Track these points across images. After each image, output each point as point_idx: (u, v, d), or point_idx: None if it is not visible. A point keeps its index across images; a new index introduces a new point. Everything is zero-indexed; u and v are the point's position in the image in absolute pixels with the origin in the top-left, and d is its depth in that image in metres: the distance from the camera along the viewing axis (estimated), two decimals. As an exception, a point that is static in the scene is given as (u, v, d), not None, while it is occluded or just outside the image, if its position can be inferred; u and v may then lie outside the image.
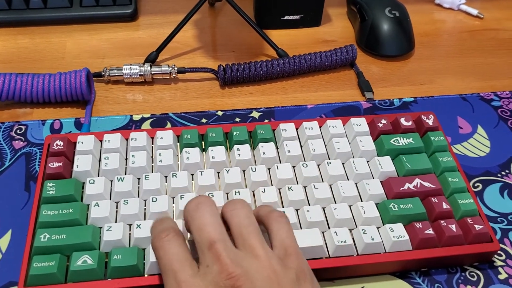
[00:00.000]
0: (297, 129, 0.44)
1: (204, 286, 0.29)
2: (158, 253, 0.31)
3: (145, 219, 0.38)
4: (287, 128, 0.43)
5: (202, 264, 0.30)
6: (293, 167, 0.42)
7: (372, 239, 0.36)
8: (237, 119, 0.48)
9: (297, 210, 0.38)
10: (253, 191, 0.40)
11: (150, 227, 0.34)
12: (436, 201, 0.39)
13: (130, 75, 0.51)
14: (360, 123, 0.44)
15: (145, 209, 0.38)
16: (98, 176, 0.40)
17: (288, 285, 0.29)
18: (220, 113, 0.49)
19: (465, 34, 0.61)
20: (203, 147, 0.43)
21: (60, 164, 0.39)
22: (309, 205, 0.39)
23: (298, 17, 0.59)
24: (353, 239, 0.37)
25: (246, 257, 0.30)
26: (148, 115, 0.48)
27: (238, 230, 0.31)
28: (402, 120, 0.44)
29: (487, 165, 0.46)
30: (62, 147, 0.40)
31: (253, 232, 0.31)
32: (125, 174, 0.40)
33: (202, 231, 0.30)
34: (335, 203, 0.39)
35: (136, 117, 0.48)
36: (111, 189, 0.39)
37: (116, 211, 0.38)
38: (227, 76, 0.51)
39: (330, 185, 0.40)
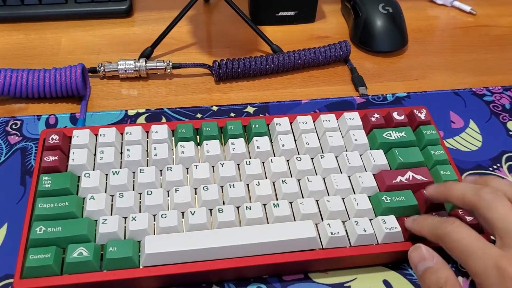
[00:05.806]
0: (291, 123, 0.44)
1: None
2: (452, 236, 0.33)
3: (140, 212, 0.38)
4: (281, 122, 0.44)
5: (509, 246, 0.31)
6: (287, 160, 0.42)
7: (365, 231, 0.37)
8: (232, 114, 0.49)
9: (291, 202, 0.39)
10: (248, 184, 0.40)
11: (414, 223, 0.37)
12: (428, 193, 0.39)
13: (125, 71, 0.51)
14: (353, 117, 0.44)
15: (140, 202, 0.39)
16: (94, 170, 0.40)
17: None
18: (215, 108, 0.49)
19: (458, 30, 0.61)
20: (198, 141, 0.43)
21: (56, 158, 0.39)
22: (302, 197, 0.40)
23: (292, 13, 0.59)
24: (346, 230, 0.38)
25: None
26: (143, 110, 0.49)
27: None
28: (395, 114, 0.44)
29: (479, 159, 0.46)
30: (57, 141, 0.41)
31: None
32: (120, 168, 0.40)
33: (508, 218, 0.32)
34: (328, 195, 0.40)
35: (131, 112, 0.48)
36: (106, 182, 0.39)
37: (112, 204, 0.38)
38: (222, 71, 0.52)
39: (324, 178, 0.41)
